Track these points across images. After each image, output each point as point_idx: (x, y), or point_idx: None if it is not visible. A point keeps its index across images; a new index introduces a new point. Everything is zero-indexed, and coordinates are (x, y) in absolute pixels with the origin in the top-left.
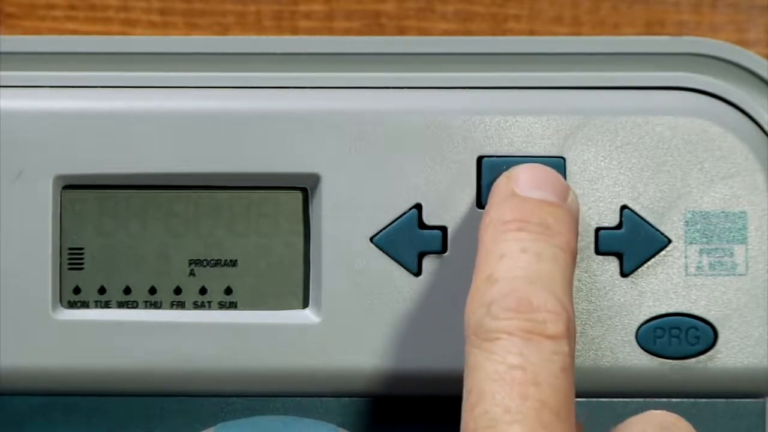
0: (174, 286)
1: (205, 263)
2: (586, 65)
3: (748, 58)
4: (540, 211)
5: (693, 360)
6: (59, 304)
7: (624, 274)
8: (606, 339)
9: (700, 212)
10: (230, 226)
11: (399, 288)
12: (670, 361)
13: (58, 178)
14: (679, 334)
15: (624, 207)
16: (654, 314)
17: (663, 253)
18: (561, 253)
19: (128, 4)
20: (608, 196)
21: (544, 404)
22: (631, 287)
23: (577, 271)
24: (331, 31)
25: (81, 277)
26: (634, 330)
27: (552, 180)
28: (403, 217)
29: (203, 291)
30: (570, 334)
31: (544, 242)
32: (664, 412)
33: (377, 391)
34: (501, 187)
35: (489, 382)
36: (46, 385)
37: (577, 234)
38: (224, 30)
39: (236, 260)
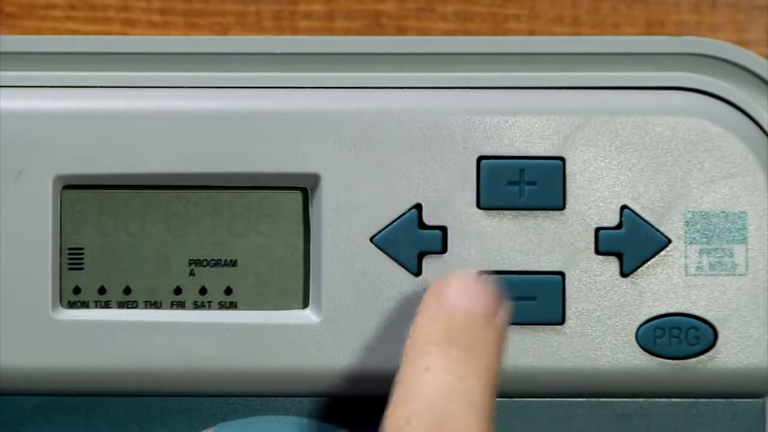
0: (174, 286)
1: (205, 263)
2: (586, 65)
3: (748, 58)
4: (466, 331)
5: (693, 360)
6: (59, 304)
7: (624, 274)
8: (606, 339)
9: (700, 212)
10: (230, 226)
11: (399, 288)
12: (670, 361)
13: (58, 178)
14: (679, 334)
15: (624, 207)
16: (654, 314)
17: (663, 253)
18: (484, 374)
19: (128, 4)
20: (608, 196)
21: None
22: (631, 287)
23: (577, 271)
24: (331, 31)
25: (81, 277)
26: (634, 330)
27: (482, 294)
28: (403, 217)
29: (203, 291)
30: None
31: (468, 363)
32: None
33: (377, 392)
34: (430, 300)
35: None
36: (46, 385)
37: (501, 353)
38: (224, 30)
39: (236, 260)
